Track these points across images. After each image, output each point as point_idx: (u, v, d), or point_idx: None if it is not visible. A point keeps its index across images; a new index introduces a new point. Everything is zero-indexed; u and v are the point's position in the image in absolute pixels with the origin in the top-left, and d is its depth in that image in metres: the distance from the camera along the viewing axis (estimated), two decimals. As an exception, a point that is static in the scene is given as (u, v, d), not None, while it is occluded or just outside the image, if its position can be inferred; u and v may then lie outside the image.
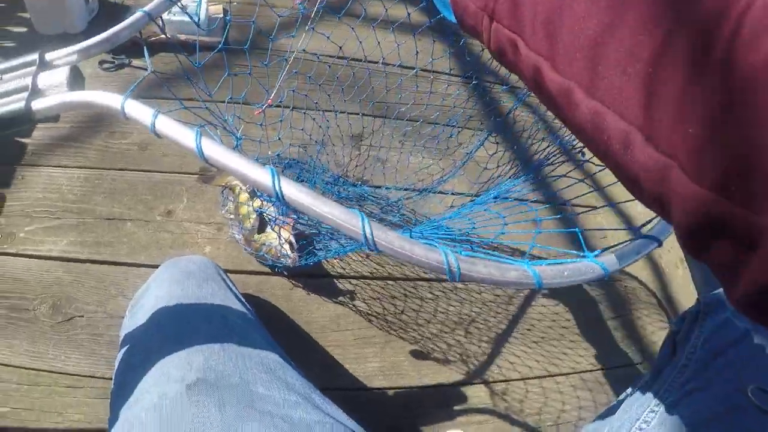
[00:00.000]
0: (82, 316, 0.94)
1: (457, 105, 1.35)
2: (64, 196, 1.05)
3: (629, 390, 0.78)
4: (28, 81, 0.44)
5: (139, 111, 0.41)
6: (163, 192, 1.10)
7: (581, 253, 0.41)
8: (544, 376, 1.08)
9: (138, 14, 0.48)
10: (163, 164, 1.13)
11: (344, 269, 1.09)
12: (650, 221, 0.46)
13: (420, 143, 1.28)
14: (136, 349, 0.63)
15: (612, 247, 0.43)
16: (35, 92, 0.44)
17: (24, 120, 0.43)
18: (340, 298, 1.05)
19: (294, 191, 0.35)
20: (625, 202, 1.30)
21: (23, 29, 1.22)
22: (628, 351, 1.17)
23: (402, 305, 1.07)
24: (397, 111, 1.21)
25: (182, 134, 0.39)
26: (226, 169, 0.37)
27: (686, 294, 1.29)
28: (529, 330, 1.11)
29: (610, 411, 0.78)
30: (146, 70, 1.23)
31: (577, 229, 0.55)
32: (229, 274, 0.82)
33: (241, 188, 1.02)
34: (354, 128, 1.23)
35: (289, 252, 0.93)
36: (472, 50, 1.42)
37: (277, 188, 0.35)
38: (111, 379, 0.63)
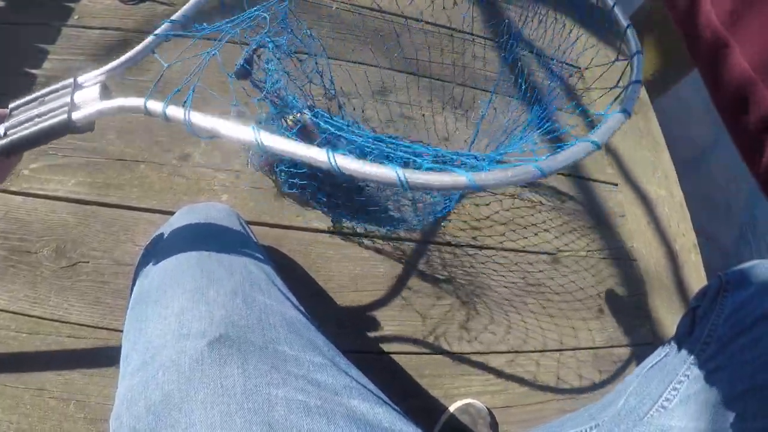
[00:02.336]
0: (88, 262, 0.89)
1: (489, 70, 1.31)
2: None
3: (645, 365, 0.76)
4: (67, 99, 0.53)
5: (174, 111, 0.49)
6: (180, 134, 1.04)
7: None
8: (559, 350, 1.07)
9: (150, 38, 0.57)
10: None
11: (366, 228, 1.06)
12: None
13: (449, 104, 1.24)
14: (150, 299, 0.58)
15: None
16: (74, 107, 0.53)
17: (66, 130, 0.52)
18: (361, 258, 1.03)
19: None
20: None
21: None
22: (641, 331, 1.17)
23: (422, 270, 1.05)
24: (429, 70, 1.17)
25: (231, 128, 0.47)
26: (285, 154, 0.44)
27: (698, 279, 1.29)
28: (545, 303, 1.10)
29: (625, 386, 0.77)
30: (166, 4, 1.17)
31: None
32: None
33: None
34: (385, 82, 1.18)
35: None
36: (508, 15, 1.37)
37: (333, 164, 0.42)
38: (115, 330, 0.58)
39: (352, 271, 1.01)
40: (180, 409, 0.46)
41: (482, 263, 1.09)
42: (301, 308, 0.63)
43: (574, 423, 0.80)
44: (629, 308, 1.18)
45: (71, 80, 0.54)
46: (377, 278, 1.01)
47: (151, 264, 0.63)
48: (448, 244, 1.09)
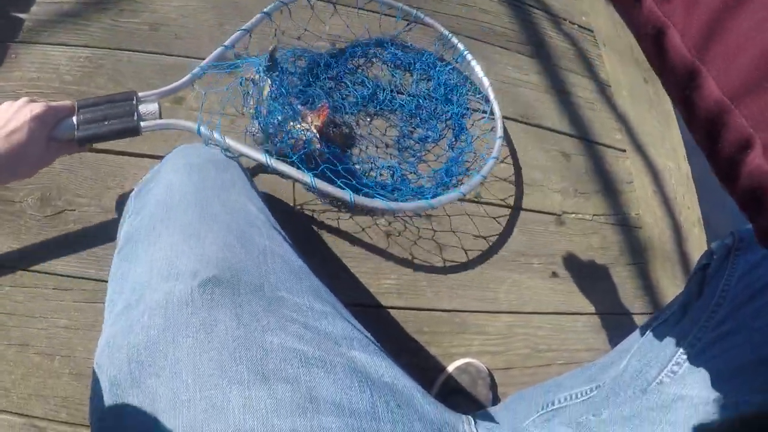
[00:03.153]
0: (74, 210, 0.83)
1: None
2: (62, 77, 0.91)
3: (649, 325, 0.70)
4: (131, 108, 0.71)
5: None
6: (173, 77, 0.96)
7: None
8: (560, 313, 1.04)
9: (190, 75, 0.81)
10: (175, 47, 1.00)
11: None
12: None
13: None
14: (140, 238, 0.54)
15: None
16: (139, 116, 0.71)
17: (133, 134, 0.71)
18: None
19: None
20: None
21: None
22: (642, 300, 1.14)
23: (425, 223, 1.00)
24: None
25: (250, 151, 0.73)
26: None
27: (701, 252, 1.26)
28: (549, 266, 1.07)
29: (627, 345, 0.72)
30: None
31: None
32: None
33: (265, 80, 0.91)
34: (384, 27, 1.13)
35: (317, 144, 0.84)
36: None
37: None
38: (102, 281, 0.53)
39: (351, 221, 0.96)
40: (165, 356, 0.42)
41: (487, 220, 1.05)
42: (300, 255, 0.59)
43: (572, 382, 0.75)
44: (632, 276, 1.15)
45: (132, 92, 0.71)
46: (376, 228, 0.96)
47: (142, 201, 0.58)
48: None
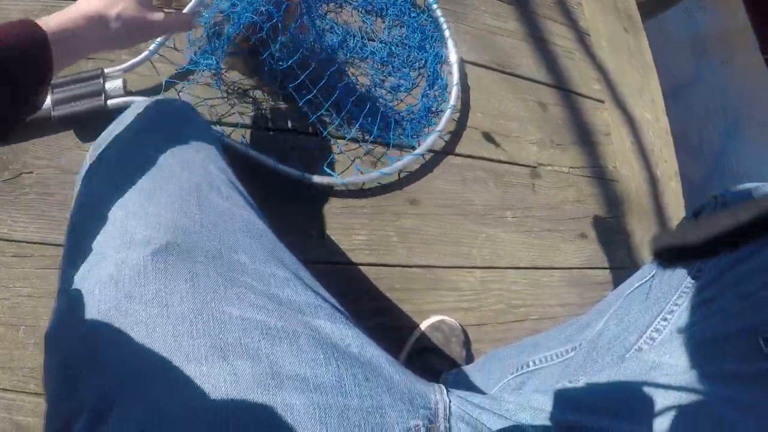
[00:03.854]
0: (31, 173, 0.77)
1: None
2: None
3: (628, 286, 0.68)
4: (99, 87, 0.78)
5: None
6: None
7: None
8: (535, 268, 1.02)
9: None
10: None
11: (338, 131, 0.95)
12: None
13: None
14: (93, 203, 0.50)
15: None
16: (107, 95, 0.78)
17: (101, 113, 0.77)
18: (330, 160, 0.93)
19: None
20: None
21: None
22: (618, 254, 1.13)
23: (396, 177, 0.96)
24: None
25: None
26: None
27: (677, 208, 1.26)
28: (524, 219, 1.04)
29: (605, 306, 0.70)
30: None
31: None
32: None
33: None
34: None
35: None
36: None
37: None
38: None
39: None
40: (119, 332, 0.40)
41: (461, 172, 1.01)
42: (264, 217, 0.55)
43: (548, 344, 0.73)
44: (608, 230, 1.13)
45: (99, 70, 0.76)
46: (348, 186, 0.92)
47: (96, 163, 0.54)
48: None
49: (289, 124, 0.92)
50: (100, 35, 0.56)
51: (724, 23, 2.21)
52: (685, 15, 2.24)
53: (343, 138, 0.94)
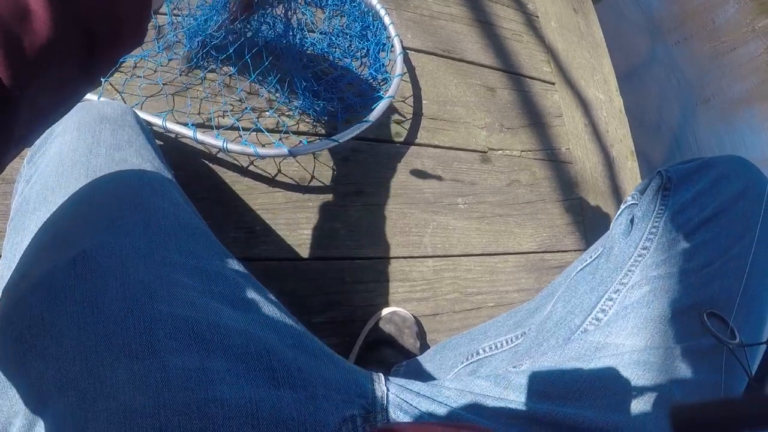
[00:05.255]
0: None
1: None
2: None
3: (574, 268, 0.67)
4: None
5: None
6: None
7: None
8: (489, 254, 1.00)
9: None
10: None
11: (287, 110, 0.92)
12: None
13: None
14: (29, 208, 0.50)
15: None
16: None
17: None
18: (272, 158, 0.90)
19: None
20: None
21: None
22: (574, 236, 1.12)
23: (340, 168, 0.94)
24: None
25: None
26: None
27: (634, 186, 1.25)
28: (476, 205, 1.02)
29: (552, 289, 0.69)
30: None
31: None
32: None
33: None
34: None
35: None
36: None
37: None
38: None
39: (262, 171, 0.89)
40: (50, 334, 0.40)
41: (409, 161, 0.99)
42: (199, 215, 0.56)
43: (498, 331, 0.72)
44: (563, 213, 1.12)
45: None
46: (290, 178, 0.90)
47: (34, 167, 0.54)
48: (368, 139, 0.98)
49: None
50: None
51: (679, 3, 2.23)
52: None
53: (290, 115, 0.92)
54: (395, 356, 0.85)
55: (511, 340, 0.69)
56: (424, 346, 0.89)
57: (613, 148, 1.28)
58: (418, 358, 0.81)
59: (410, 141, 1.01)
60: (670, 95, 2.23)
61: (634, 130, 1.36)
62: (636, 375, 0.49)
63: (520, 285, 1.02)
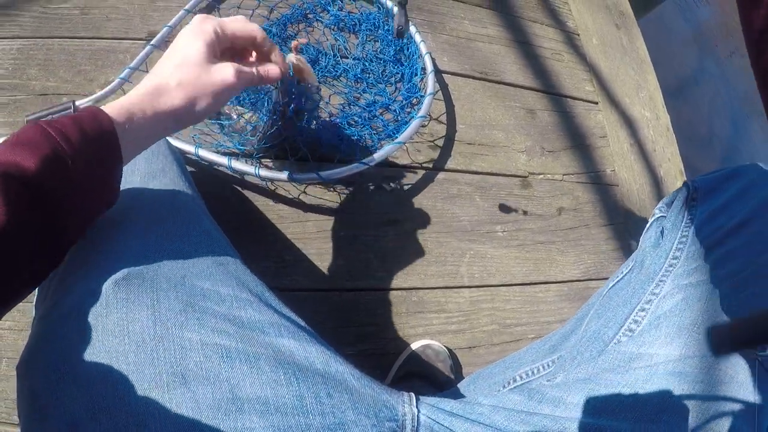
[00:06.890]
0: None
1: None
2: (-6, 72, 0.83)
3: (607, 285, 0.67)
4: None
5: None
6: (105, 61, 0.89)
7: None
8: (529, 284, 0.96)
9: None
10: (107, 30, 0.91)
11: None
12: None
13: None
14: None
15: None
16: None
17: None
18: (303, 186, 0.89)
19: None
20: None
21: None
22: (620, 262, 1.06)
23: (373, 197, 0.92)
24: None
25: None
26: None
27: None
28: (516, 232, 0.98)
29: (586, 308, 0.68)
30: None
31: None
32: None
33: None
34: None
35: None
36: None
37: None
38: None
39: (294, 199, 0.88)
40: (82, 363, 0.40)
41: (445, 187, 0.96)
42: (230, 243, 0.57)
43: (534, 356, 0.72)
44: (609, 238, 1.07)
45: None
46: (321, 207, 0.88)
47: None
48: (402, 166, 0.95)
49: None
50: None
51: (725, 15, 2.15)
52: (686, 9, 2.17)
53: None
54: (428, 390, 0.82)
55: (548, 365, 0.69)
56: (459, 380, 0.85)
57: (661, 167, 1.22)
58: (451, 390, 0.79)
59: (446, 167, 0.98)
60: (720, 108, 2.14)
61: (683, 146, 1.29)
62: (671, 385, 0.48)
63: (563, 315, 0.97)
